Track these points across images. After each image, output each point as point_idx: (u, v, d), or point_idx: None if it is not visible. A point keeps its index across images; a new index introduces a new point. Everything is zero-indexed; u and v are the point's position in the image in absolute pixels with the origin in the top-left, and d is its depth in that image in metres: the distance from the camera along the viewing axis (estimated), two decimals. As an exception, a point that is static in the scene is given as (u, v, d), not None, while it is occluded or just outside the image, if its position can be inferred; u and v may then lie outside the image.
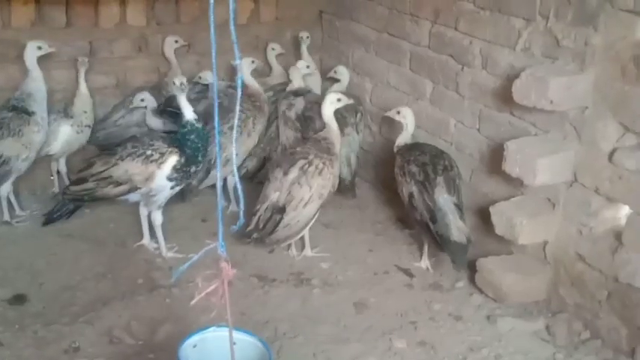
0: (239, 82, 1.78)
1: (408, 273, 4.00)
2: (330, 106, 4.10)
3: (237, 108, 1.84)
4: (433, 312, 3.62)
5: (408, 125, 4.18)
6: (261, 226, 3.91)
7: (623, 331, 3.26)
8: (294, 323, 3.46)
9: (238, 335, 2.44)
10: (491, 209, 3.61)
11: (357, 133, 4.78)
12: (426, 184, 3.82)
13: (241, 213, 2.01)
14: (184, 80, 3.94)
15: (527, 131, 3.68)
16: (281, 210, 3.89)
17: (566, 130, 3.44)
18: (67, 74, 4.81)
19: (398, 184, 4.05)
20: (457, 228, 3.71)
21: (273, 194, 3.92)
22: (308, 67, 5.09)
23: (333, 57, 5.42)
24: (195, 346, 2.42)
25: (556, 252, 3.57)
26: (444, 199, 3.78)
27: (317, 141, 4.10)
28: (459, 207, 3.79)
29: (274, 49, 5.34)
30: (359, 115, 4.81)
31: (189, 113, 3.87)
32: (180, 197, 4.35)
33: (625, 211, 3.27)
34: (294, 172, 3.92)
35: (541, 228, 3.54)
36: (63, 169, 4.75)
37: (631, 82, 3.07)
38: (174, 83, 3.95)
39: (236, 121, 1.82)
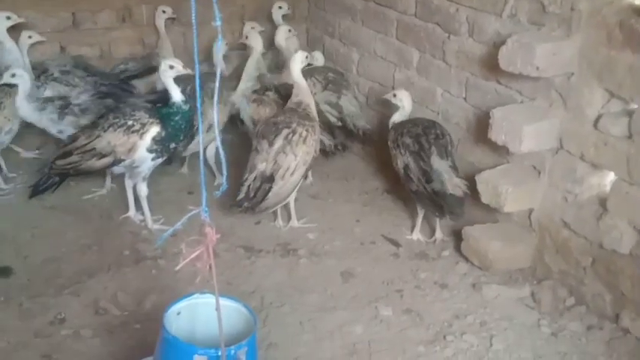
0: (219, 45, 1.75)
1: (394, 243, 4.00)
2: (298, 64, 4.08)
3: (218, 71, 1.81)
4: (419, 280, 3.64)
5: (405, 107, 4.16)
6: (251, 195, 3.91)
7: (607, 297, 3.28)
8: (281, 293, 3.47)
9: (223, 301, 2.41)
10: (477, 178, 3.61)
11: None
12: (421, 153, 3.84)
13: (224, 179, 1.99)
14: (174, 63, 3.85)
15: (514, 99, 3.67)
16: (270, 179, 3.90)
17: (552, 97, 3.43)
18: (49, 45, 4.75)
19: (392, 157, 4.04)
20: (453, 184, 3.74)
21: (261, 165, 3.92)
22: (290, 30, 5.03)
23: (320, 27, 5.38)
24: (179, 314, 2.41)
25: (541, 219, 3.58)
26: (438, 163, 3.81)
27: (293, 110, 4.07)
28: (453, 168, 3.83)
29: (254, 28, 5.29)
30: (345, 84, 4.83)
31: (176, 95, 3.83)
32: (166, 161, 4.25)
33: (610, 177, 3.28)
34: (278, 142, 3.92)
35: (526, 196, 3.54)
36: None
37: (617, 48, 3.05)
38: (162, 65, 3.87)
39: (217, 84, 1.79)
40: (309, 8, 5.55)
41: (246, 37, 4.75)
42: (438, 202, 3.76)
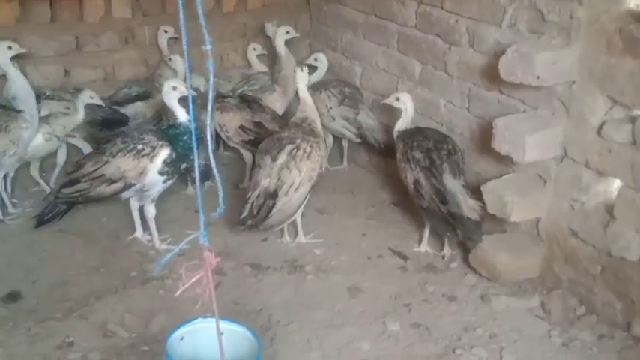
0: (210, 68, 1.76)
1: (402, 256, 3.99)
2: (303, 80, 4.07)
3: (211, 93, 1.82)
4: (427, 293, 3.62)
5: (408, 110, 4.10)
6: (255, 212, 3.90)
7: (617, 305, 3.25)
8: (288, 310, 3.45)
9: (227, 325, 2.42)
10: (483, 188, 3.59)
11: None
12: (432, 169, 3.76)
13: (220, 200, 1.99)
14: (177, 84, 3.86)
15: (516, 108, 3.65)
16: (273, 195, 3.88)
17: (554, 106, 3.41)
18: (54, 69, 4.78)
19: (401, 170, 3.97)
20: (468, 206, 3.67)
21: (264, 181, 3.91)
22: (288, 32, 5.02)
23: (322, 42, 5.39)
24: (182, 339, 2.41)
25: (549, 228, 3.55)
26: (452, 183, 3.72)
27: (298, 125, 4.06)
28: (467, 188, 3.74)
29: (255, 50, 5.34)
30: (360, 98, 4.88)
31: (182, 115, 3.84)
32: (203, 177, 4.25)
33: (616, 184, 3.25)
34: (282, 158, 3.90)
35: (533, 205, 3.52)
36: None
37: (616, 55, 3.04)
38: (164, 87, 3.89)
39: (210, 104, 1.79)
40: (311, 23, 5.57)
41: (315, 60, 5.07)
42: (452, 224, 3.69)
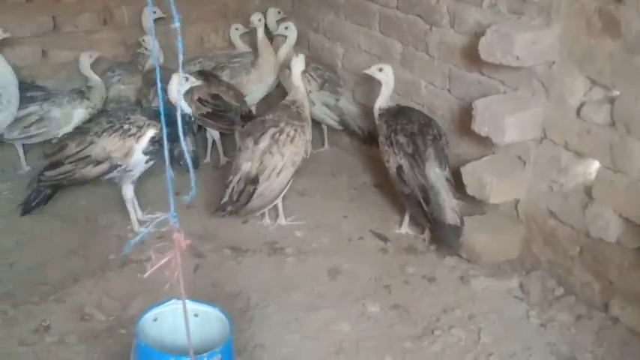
0: (179, 47, 1.72)
1: (382, 238, 3.98)
2: (299, 68, 4.07)
3: (180, 70, 1.78)
4: (407, 275, 3.61)
5: (389, 83, 3.97)
6: (235, 198, 3.86)
7: (596, 286, 3.26)
8: (267, 292, 3.44)
9: (200, 307, 2.41)
10: (462, 170, 3.58)
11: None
12: (415, 156, 3.67)
13: (192, 183, 1.96)
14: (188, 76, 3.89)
15: (497, 89, 3.64)
16: (254, 180, 3.85)
17: (534, 87, 3.40)
18: (30, 50, 4.70)
19: (383, 153, 3.89)
20: (451, 208, 3.56)
21: (245, 164, 3.87)
22: (279, 12, 5.09)
23: (304, 23, 5.33)
24: (155, 320, 2.39)
25: (528, 210, 3.55)
26: (435, 174, 3.63)
27: (286, 106, 4.04)
28: (450, 182, 3.65)
29: (237, 29, 5.27)
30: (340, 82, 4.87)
31: (186, 107, 3.85)
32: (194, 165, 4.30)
33: (595, 165, 3.24)
34: (265, 141, 3.86)
35: (512, 186, 3.52)
36: None
37: (596, 36, 3.02)
38: (174, 79, 3.77)
39: (180, 74, 1.76)
40: (293, 4, 5.51)
41: (286, 28, 4.93)
42: (431, 224, 3.64)
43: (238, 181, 3.86)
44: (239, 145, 4.00)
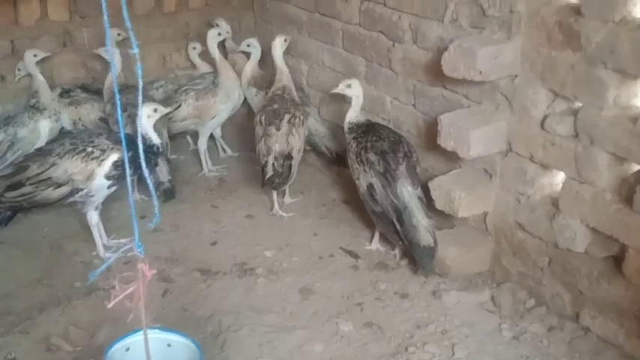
0: (139, 73, 1.69)
1: (353, 255, 3.96)
2: (279, 49, 4.41)
3: (140, 99, 1.75)
4: (379, 292, 3.60)
5: (359, 98, 3.96)
6: (280, 171, 4.18)
7: (566, 297, 3.28)
8: (239, 315, 3.39)
9: (172, 337, 2.36)
10: (430, 184, 3.59)
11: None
12: (387, 175, 3.65)
13: (156, 209, 1.92)
14: (156, 105, 3.91)
15: (461, 104, 3.66)
16: (289, 156, 4.21)
17: (497, 100, 3.42)
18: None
19: (353, 171, 3.87)
20: (424, 229, 3.56)
21: (275, 145, 4.19)
22: (219, 34, 4.96)
23: (267, 40, 5.27)
24: (128, 350, 2.34)
25: (496, 222, 3.57)
26: (408, 193, 3.62)
27: (280, 96, 4.36)
28: (422, 201, 3.63)
29: (195, 49, 5.23)
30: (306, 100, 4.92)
31: (155, 139, 3.85)
32: (169, 195, 4.50)
33: (560, 177, 3.28)
34: (284, 126, 4.21)
35: (480, 200, 3.53)
36: None
37: (557, 48, 3.06)
38: (145, 109, 3.80)
39: (140, 111, 1.73)
40: (256, 22, 5.51)
41: (248, 45, 4.94)
42: (405, 245, 3.66)
43: (275, 159, 4.16)
44: (262, 134, 4.24)
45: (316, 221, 4.36)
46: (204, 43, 4.98)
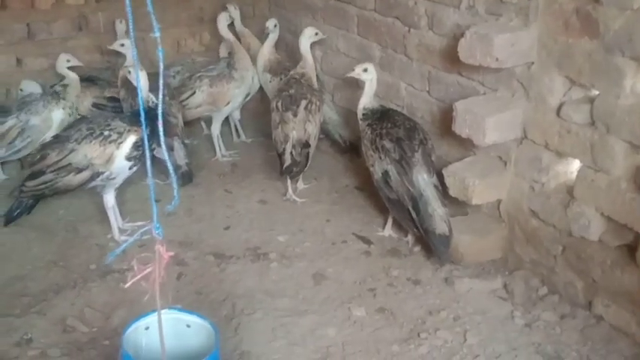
0: (160, 56, 1.70)
1: (366, 240, 3.97)
2: (307, 39, 4.42)
3: (161, 81, 1.76)
4: (391, 278, 3.61)
5: (373, 82, 3.91)
6: (298, 160, 4.21)
7: (579, 285, 3.28)
8: (252, 299, 3.41)
9: (188, 317, 2.39)
10: (444, 171, 3.59)
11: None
12: (403, 163, 3.63)
13: (175, 192, 1.93)
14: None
15: (476, 90, 3.65)
16: (306, 144, 4.24)
17: (513, 88, 3.41)
18: (4, 59, 4.64)
19: (368, 157, 3.85)
20: (440, 217, 3.55)
21: (292, 132, 4.21)
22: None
23: (281, 26, 5.29)
24: (147, 328, 2.37)
25: (510, 210, 3.57)
26: (424, 180, 3.59)
27: (297, 80, 4.37)
28: (438, 189, 3.61)
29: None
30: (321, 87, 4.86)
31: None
32: (187, 179, 4.52)
33: (575, 165, 3.27)
34: (301, 112, 4.24)
35: (494, 187, 3.53)
36: None
37: (574, 35, 3.04)
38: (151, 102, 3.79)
39: (160, 95, 1.74)
40: (270, 7, 5.50)
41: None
42: (420, 233, 3.64)
43: (293, 147, 4.19)
44: (279, 120, 4.27)
45: (329, 207, 4.37)
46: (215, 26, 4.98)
